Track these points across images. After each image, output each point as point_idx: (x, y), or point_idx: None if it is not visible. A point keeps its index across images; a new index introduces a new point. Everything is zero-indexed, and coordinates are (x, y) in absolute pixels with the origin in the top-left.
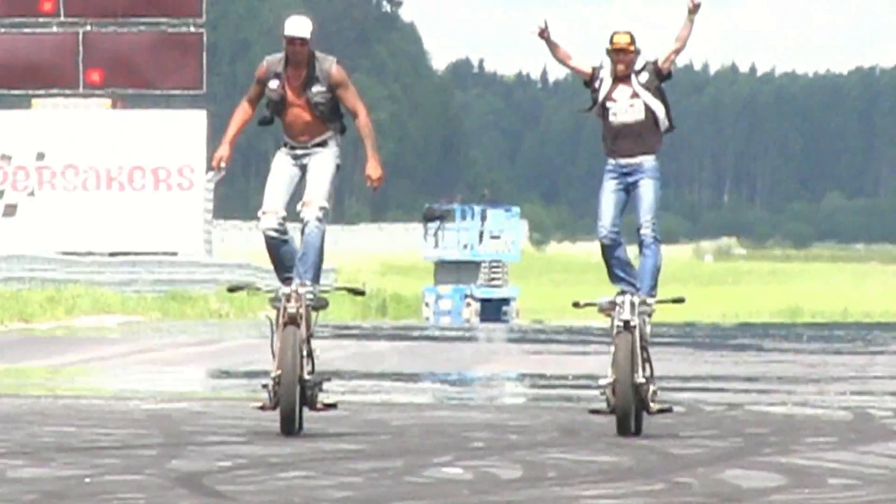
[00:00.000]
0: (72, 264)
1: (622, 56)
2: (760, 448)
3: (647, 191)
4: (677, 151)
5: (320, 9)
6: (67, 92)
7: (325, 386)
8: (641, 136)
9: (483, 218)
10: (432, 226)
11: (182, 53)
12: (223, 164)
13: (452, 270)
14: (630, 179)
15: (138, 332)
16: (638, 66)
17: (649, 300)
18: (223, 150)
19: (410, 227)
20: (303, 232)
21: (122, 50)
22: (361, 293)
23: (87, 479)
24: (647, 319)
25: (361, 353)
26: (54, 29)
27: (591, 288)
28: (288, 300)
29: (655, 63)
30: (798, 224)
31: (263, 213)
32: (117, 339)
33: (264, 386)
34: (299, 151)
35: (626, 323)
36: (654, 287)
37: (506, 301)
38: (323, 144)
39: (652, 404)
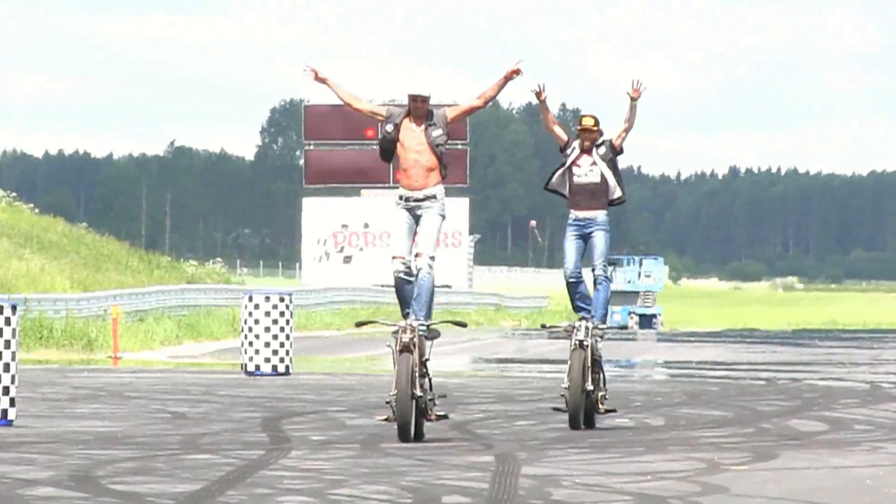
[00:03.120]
0: (386, 293)
1: (587, 134)
2: (812, 407)
3: (599, 240)
4: (762, 223)
5: (545, 137)
6: (382, 185)
7: (438, 401)
8: (595, 195)
9: (640, 264)
10: (609, 268)
11: (454, 162)
12: (308, 70)
13: (621, 297)
14: (587, 230)
15: None
16: (598, 142)
17: (601, 326)
18: (322, 71)
19: None
20: (416, 277)
21: None
22: (463, 325)
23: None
24: (598, 340)
25: (562, 347)
26: (374, 147)
27: (705, 309)
28: (404, 332)
29: (611, 141)
30: (835, 268)
31: (393, 258)
32: None
33: (387, 402)
34: (412, 204)
35: (581, 342)
36: (605, 315)
37: (655, 316)
38: (432, 198)
39: (600, 406)
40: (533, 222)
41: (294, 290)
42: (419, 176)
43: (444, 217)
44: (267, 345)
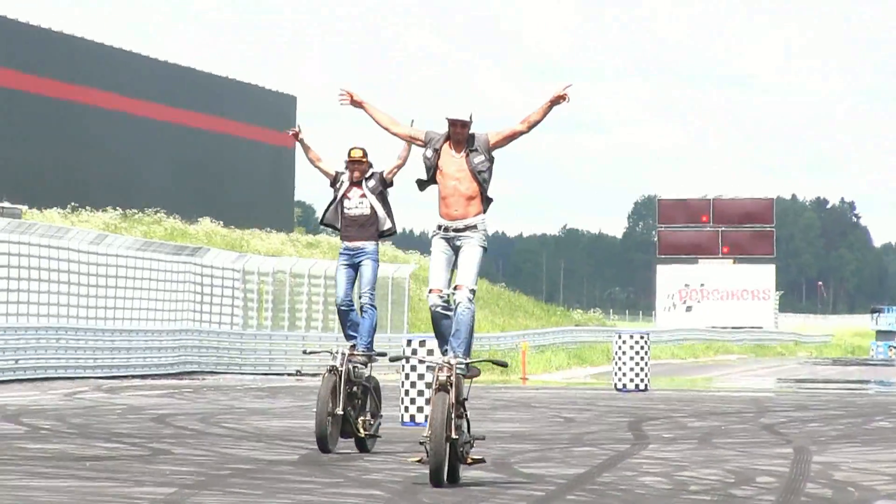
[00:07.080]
0: (715, 332)
1: (356, 166)
2: None
3: (368, 269)
4: None
5: (829, 222)
6: (713, 256)
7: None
8: (365, 226)
9: None
10: (875, 314)
11: (761, 239)
12: (344, 95)
13: (885, 335)
14: (356, 260)
15: (744, 362)
16: (367, 174)
17: (362, 352)
18: (357, 94)
19: (864, 316)
20: (455, 312)
21: (736, 238)
22: (504, 364)
23: (722, 427)
24: (357, 366)
25: (841, 371)
26: (707, 229)
27: None
28: (440, 370)
29: (382, 174)
30: None
31: (430, 291)
32: (734, 364)
33: (421, 443)
34: (452, 234)
35: (332, 368)
36: (370, 342)
37: None
38: (472, 228)
39: (361, 431)
40: (820, 283)
41: (650, 330)
42: (458, 204)
43: (485, 249)
44: (631, 369)
